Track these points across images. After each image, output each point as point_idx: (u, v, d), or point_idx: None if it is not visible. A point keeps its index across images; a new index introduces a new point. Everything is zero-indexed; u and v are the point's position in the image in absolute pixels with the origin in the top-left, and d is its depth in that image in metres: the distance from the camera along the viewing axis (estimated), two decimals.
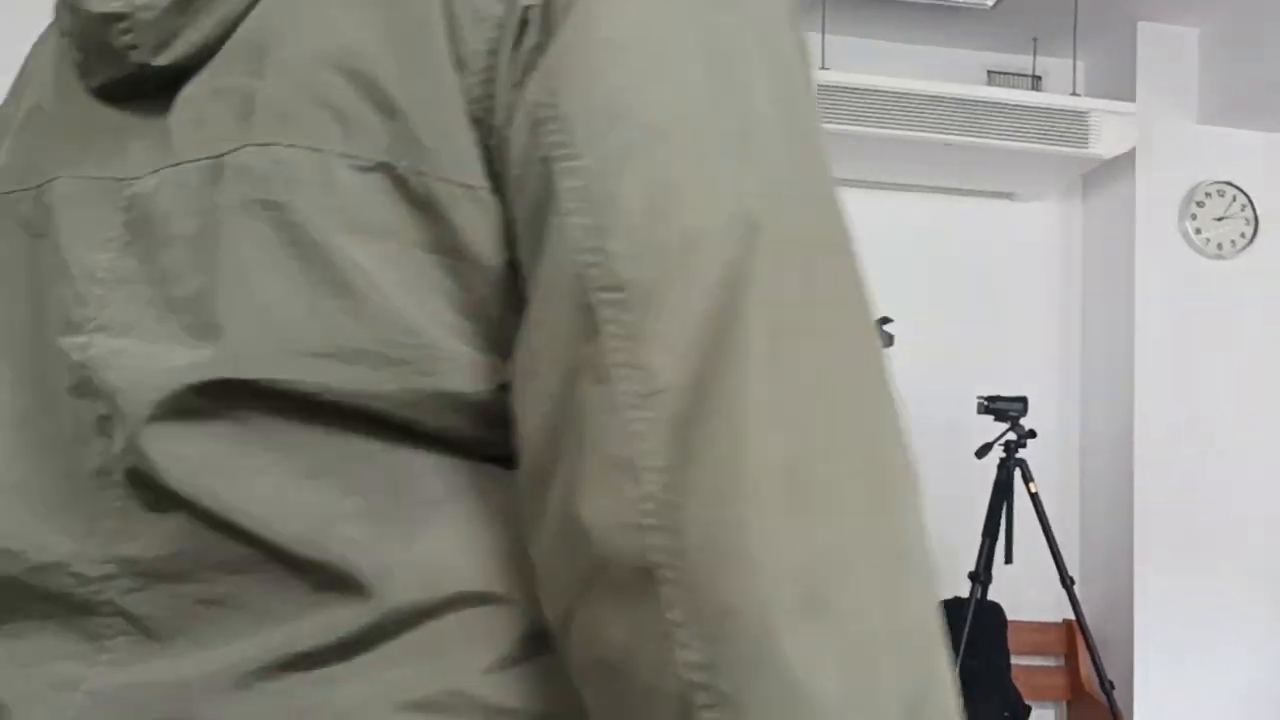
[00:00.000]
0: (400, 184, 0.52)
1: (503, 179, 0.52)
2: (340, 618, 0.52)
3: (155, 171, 0.58)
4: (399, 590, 0.52)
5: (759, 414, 0.47)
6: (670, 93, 0.50)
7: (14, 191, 0.65)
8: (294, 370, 0.52)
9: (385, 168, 0.52)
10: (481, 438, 0.54)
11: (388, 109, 0.52)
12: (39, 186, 0.63)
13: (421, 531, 0.53)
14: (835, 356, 0.49)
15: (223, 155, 0.55)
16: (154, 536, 0.54)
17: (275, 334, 0.52)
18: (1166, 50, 4.15)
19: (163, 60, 0.58)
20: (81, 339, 0.57)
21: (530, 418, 0.51)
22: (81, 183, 0.61)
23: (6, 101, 0.73)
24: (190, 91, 0.58)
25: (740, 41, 0.52)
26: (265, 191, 0.53)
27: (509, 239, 0.52)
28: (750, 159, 0.50)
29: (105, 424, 0.56)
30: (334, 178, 0.52)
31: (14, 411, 0.60)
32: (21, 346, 0.61)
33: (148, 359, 0.55)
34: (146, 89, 0.60)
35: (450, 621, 0.52)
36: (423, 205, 0.52)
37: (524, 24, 0.51)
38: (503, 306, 0.53)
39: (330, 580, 0.52)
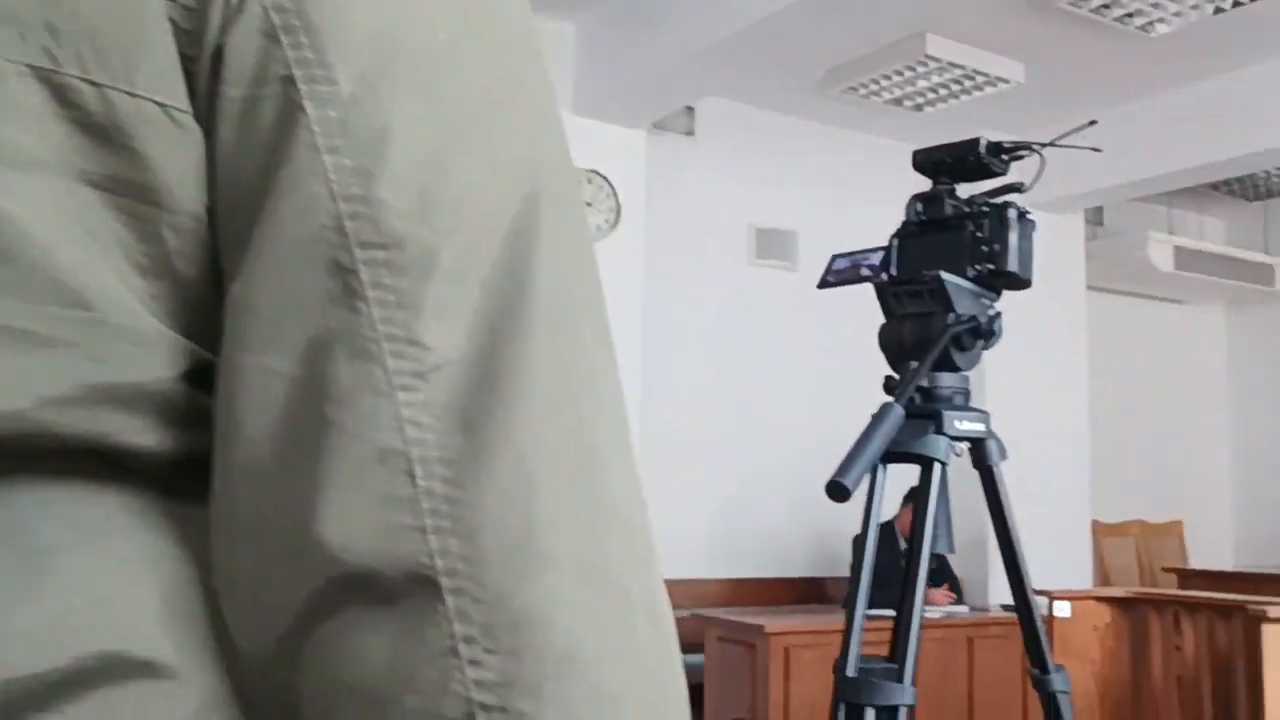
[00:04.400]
0: (62, 97, 0.38)
1: (214, 100, 0.40)
2: None
3: None
4: (12, 660, 0.37)
5: (549, 392, 0.41)
6: (450, 19, 0.42)
7: None
8: None
9: (41, 74, 0.38)
10: (142, 448, 0.41)
11: None
12: None
13: (40, 585, 0.38)
14: (598, 330, 0.45)
15: None
16: None
17: None
18: (546, 44, 4.42)
19: None
20: None
21: (246, 405, 0.39)
22: None
23: None
24: None
25: None
26: None
27: (210, 179, 0.40)
28: (527, 109, 0.44)
29: None
30: None
31: None
32: None
33: None
34: None
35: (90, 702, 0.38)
36: (96, 128, 0.38)
37: None
38: (196, 266, 0.41)
39: None
